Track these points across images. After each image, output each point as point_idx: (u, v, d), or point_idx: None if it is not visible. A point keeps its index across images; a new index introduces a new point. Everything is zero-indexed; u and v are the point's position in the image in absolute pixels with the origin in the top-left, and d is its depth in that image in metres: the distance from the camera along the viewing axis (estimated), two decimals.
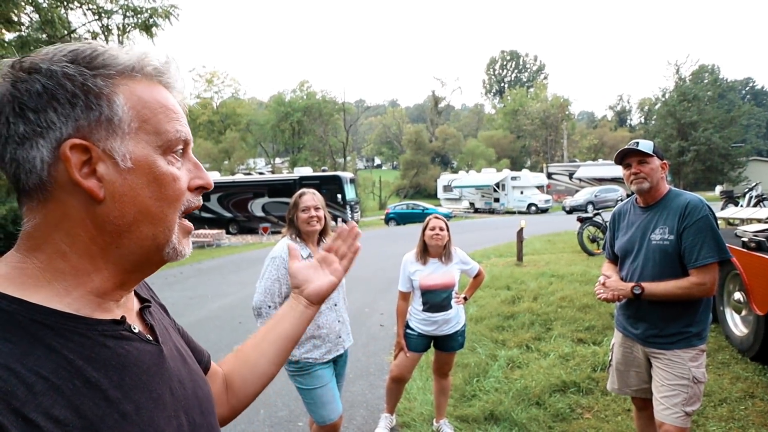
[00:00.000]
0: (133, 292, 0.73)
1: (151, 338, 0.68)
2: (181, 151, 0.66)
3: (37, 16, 15.17)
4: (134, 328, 0.65)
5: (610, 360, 2.58)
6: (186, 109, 0.70)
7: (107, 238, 0.61)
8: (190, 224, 0.69)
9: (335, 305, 2.66)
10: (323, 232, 2.70)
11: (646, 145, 2.30)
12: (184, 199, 0.66)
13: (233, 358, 0.95)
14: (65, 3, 16.14)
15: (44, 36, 14.10)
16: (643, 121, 65.37)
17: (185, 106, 0.70)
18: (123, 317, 0.64)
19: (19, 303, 0.54)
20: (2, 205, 14.09)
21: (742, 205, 10.48)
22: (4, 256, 0.60)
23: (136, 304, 0.73)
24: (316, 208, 2.60)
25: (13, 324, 0.53)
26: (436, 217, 3.15)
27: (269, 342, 0.94)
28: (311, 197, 2.63)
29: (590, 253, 9.88)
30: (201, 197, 0.69)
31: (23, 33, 14.44)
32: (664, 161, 2.35)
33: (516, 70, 78.74)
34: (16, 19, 14.63)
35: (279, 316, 0.97)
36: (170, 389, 0.66)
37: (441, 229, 3.08)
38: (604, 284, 2.39)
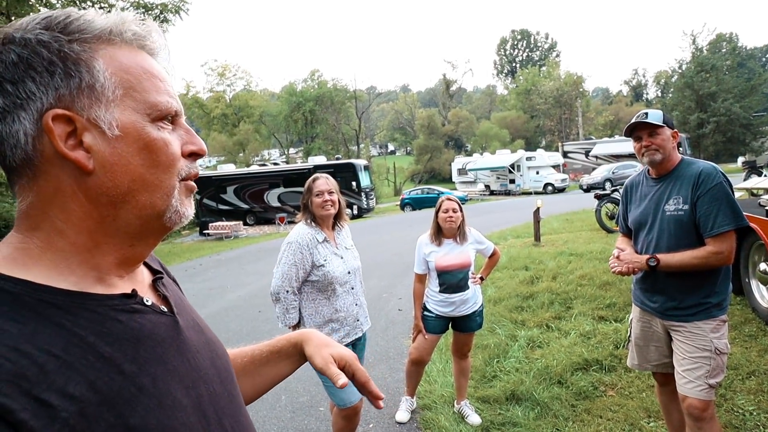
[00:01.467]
0: (143, 264, 0.72)
1: (165, 309, 0.67)
2: (170, 119, 0.64)
3: None
4: (147, 301, 0.64)
5: (629, 335, 2.53)
6: (172, 75, 0.67)
7: (102, 210, 0.59)
8: (192, 184, 0.67)
9: (352, 288, 2.66)
10: (338, 216, 2.69)
11: (655, 116, 2.22)
12: (180, 164, 0.63)
13: (239, 357, 0.91)
14: (77, 1, 16.30)
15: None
16: (659, 94, 63.92)
17: (171, 71, 0.67)
18: (134, 290, 0.63)
19: (24, 284, 0.53)
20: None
21: (765, 175, 10.19)
22: (5, 237, 0.59)
23: (147, 276, 0.72)
24: (330, 192, 2.59)
25: (20, 305, 0.52)
26: (449, 199, 3.10)
27: (263, 377, 0.93)
28: (324, 181, 2.62)
29: (609, 231, 9.73)
30: (197, 164, 0.67)
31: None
32: (675, 130, 2.27)
33: (527, 50, 77.37)
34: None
35: (284, 354, 0.93)
36: (187, 360, 0.65)
37: (454, 211, 3.04)
38: (618, 257, 2.33)
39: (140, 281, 0.68)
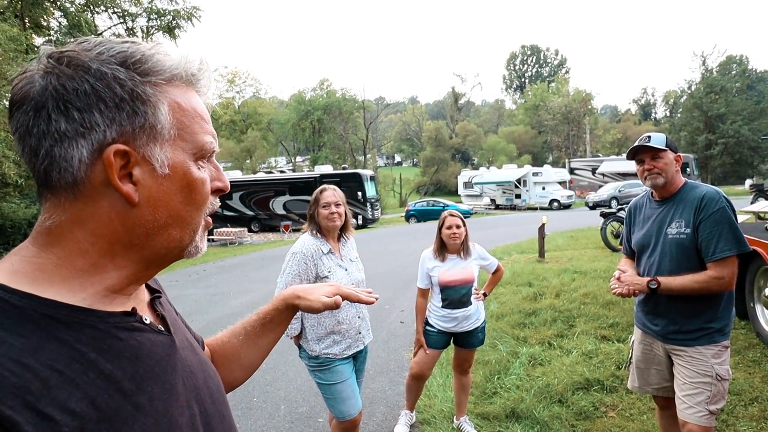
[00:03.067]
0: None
1: (162, 329, 0.68)
2: (208, 157, 0.67)
3: (65, 20, 15.60)
4: (146, 319, 0.65)
5: (630, 357, 2.53)
6: (210, 109, 0.70)
7: (134, 239, 0.61)
8: (209, 219, 0.70)
9: None
10: (344, 228, 2.70)
11: (658, 140, 2.24)
12: (209, 202, 0.67)
13: (235, 337, 0.98)
14: (91, 7, 16.52)
15: (72, 40, 14.56)
16: (668, 114, 63.89)
17: (210, 106, 0.70)
18: (134, 309, 0.64)
19: (29, 298, 0.54)
20: (34, 205, 14.50)
21: None
22: (17, 248, 0.60)
23: (146, 295, 0.73)
24: (337, 204, 2.60)
25: (25, 319, 0.53)
26: (452, 215, 3.10)
27: (263, 344, 1.01)
28: (332, 193, 2.63)
29: (614, 249, 9.69)
30: (218, 199, 0.71)
31: (52, 37, 14.84)
32: (678, 154, 2.28)
33: (537, 65, 77.70)
34: (45, 23, 15.06)
35: (277, 321, 1.02)
36: (182, 379, 0.66)
37: (458, 227, 3.05)
38: (619, 279, 2.34)
39: (140, 299, 0.69)
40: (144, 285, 0.75)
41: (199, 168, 0.64)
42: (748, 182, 23.26)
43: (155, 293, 0.75)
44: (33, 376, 0.49)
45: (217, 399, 0.74)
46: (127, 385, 0.57)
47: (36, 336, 0.52)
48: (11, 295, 0.54)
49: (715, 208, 2.10)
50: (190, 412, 0.65)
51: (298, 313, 2.63)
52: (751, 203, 13.04)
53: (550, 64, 77.21)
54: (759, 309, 4.40)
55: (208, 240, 22.83)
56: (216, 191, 0.68)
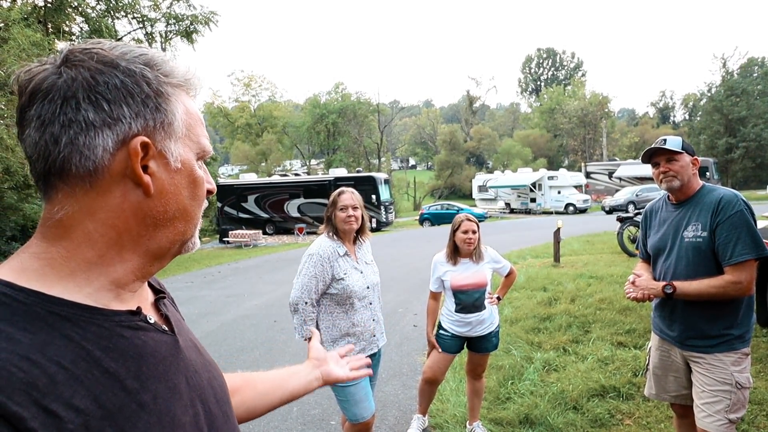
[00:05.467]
0: (147, 283, 0.75)
1: (166, 329, 0.69)
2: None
3: (86, 26, 15.94)
4: (150, 319, 0.67)
5: (647, 364, 2.49)
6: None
7: (143, 230, 0.63)
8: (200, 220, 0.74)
9: (370, 304, 2.67)
10: (360, 231, 2.71)
11: (673, 142, 2.21)
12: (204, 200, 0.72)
13: (245, 384, 1.01)
14: (112, 13, 16.85)
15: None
16: (687, 117, 62.87)
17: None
18: (139, 308, 0.65)
19: (36, 295, 0.56)
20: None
21: None
22: (26, 245, 0.61)
23: (150, 296, 0.74)
24: (354, 208, 2.61)
25: (32, 315, 0.54)
26: (468, 219, 3.07)
27: (273, 396, 1.04)
28: (350, 196, 2.64)
29: (630, 254, 9.56)
30: (206, 201, 0.75)
31: (74, 42, 15.20)
32: (695, 157, 2.25)
33: (553, 68, 77.11)
34: (67, 29, 15.39)
35: (292, 371, 1.10)
36: (186, 379, 0.67)
37: (474, 232, 3.03)
38: (633, 283, 2.30)
39: (144, 299, 0.71)
40: (148, 285, 0.76)
41: (200, 167, 0.69)
42: None
43: (159, 294, 0.77)
44: (40, 372, 0.50)
45: (221, 399, 0.75)
46: (131, 384, 0.58)
47: (43, 332, 0.53)
48: (18, 293, 0.55)
49: (733, 211, 2.06)
50: (193, 411, 0.66)
51: (312, 315, 2.65)
52: None
53: (566, 67, 76.56)
54: None
55: (224, 242, 23.16)
56: (207, 192, 0.72)
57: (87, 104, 0.58)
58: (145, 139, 0.61)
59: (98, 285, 0.61)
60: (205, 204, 0.73)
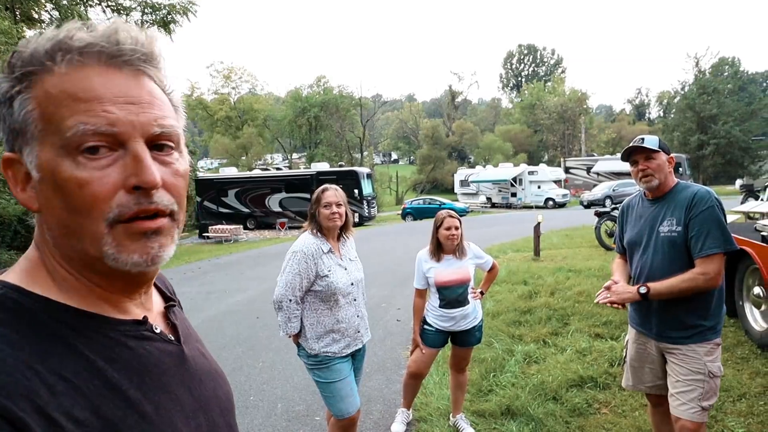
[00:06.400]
0: (156, 291, 0.74)
1: (173, 338, 0.69)
2: (98, 148, 0.54)
3: (57, 13, 15.46)
4: (156, 328, 0.66)
5: (625, 356, 2.58)
6: (165, 86, 0.62)
7: (58, 247, 0.59)
8: (145, 225, 0.57)
9: (355, 300, 2.69)
10: (344, 228, 2.73)
11: (651, 141, 2.30)
12: (109, 205, 0.54)
13: None
14: (85, 0, 16.36)
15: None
16: (661, 114, 64.19)
17: (163, 82, 0.61)
18: (145, 317, 0.64)
19: (42, 301, 0.55)
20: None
21: (762, 199, 10.22)
22: (29, 249, 0.62)
23: (160, 303, 0.74)
24: (338, 205, 2.62)
25: (36, 323, 0.54)
26: (451, 216, 3.11)
27: None
28: (334, 193, 2.65)
29: (608, 248, 9.77)
30: (152, 197, 0.57)
31: (43, 30, 14.69)
32: (671, 155, 2.35)
33: (533, 64, 77.77)
34: (36, 16, 14.89)
35: None
36: (189, 390, 0.66)
37: (456, 228, 3.07)
38: (609, 288, 2.38)
39: (151, 308, 0.69)
40: (159, 293, 0.76)
41: (77, 165, 0.53)
42: (739, 182, 23.51)
43: (170, 301, 0.76)
44: (41, 382, 0.50)
45: (225, 409, 0.74)
46: (133, 394, 0.57)
47: (46, 341, 0.53)
48: (26, 298, 0.55)
49: (705, 206, 2.15)
50: (195, 423, 0.65)
51: (297, 312, 2.65)
52: (741, 203, 13.17)
53: (546, 64, 77.29)
54: (747, 307, 4.47)
55: (203, 237, 22.81)
56: (135, 188, 0.55)
57: None
58: (8, 154, 0.55)
59: (98, 293, 0.61)
60: (136, 205, 0.55)
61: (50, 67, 0.54)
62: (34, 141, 0.54)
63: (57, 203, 0.54)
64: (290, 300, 2.54)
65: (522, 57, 78.31)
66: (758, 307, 4.32)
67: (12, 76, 0.54)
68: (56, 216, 0.55)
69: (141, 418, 0.56)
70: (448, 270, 3.10)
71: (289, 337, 2.65)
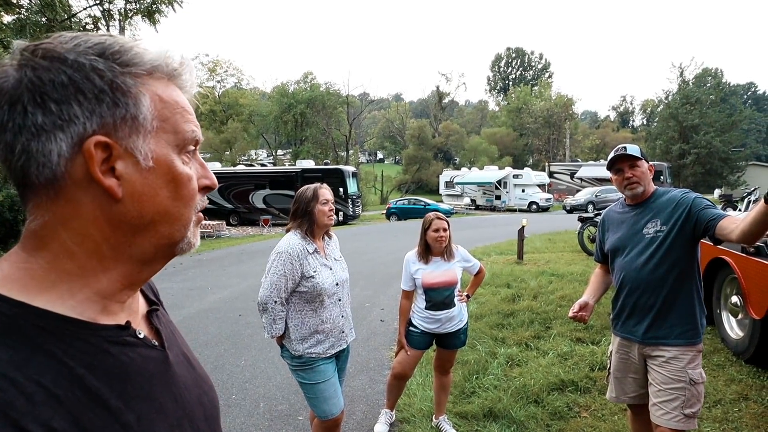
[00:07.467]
0: (139, 293, 0.72)
1: (156, 343, 0.67)
2: (192, 150, 0.65)
3: None
4: (139, 333, 0.64)
5: (609, 368, 2.60)
6: (192, 104, 0.69)
7: (121, 237, 0.59)
8: (202, 216, 0.69)
9: (339, 300, 2.67)
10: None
11: (633, 149, 2.38)
12: (198, 198, 0.65)
13: None
14: None
15: (44, 19, 13.84)
16: (645, 122, 65.41)
17: (194, 104, 0.69)
18: (128, 322, 0.62)
19: (20, 306, 0.53)
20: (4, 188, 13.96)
21: (740, 210, 10.47)
22: (7, 254, 0.59)
23: (143, 306, 0.71)
24: (333, 202, 2.65)
25: (14, 329, 0.51)
26: (439, 218, 3.13)
27: None
28: (328, 191, 2.67)
29: (590, 253, 9.90)
30: (206, 198, 0.70)
31: (22, 16, 14.21)
32: (651, 164, 2.44)
33: (521, 68, 78.58)
34: (15, 1, 14.51)
35: None
36: (174, 397, 0.65)
37: (444, 230, 3.09)
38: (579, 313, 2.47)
39: (135, 311, 0.68)
40: (142, 296, 0.73)
41: (183, 163, 0.63)
42: (717, 192, 24.14)
43: (153, 305, 0.74)
44: (18, 391, 0.48)
45: (210, 416, 0.72)
46: (115, 403, 0.55)
47: (25, 349, 0.51)
48: (2, 303, 0.53)
49: (693, 196, 2.28)
50: (180, 431, 0.64)
51: (282, 314, 2.62)
52: None
53: (534, 68, 78.14)
54: (724, 316, 4.59)
55: None
56: (203, 189, 0.66)
57: (34, 107, 0.53)
58: (103, 138, 0.55)
59: (82, 297, 0.58)
60: (204, 202, 0.68)
61: (157, 75, 0.62)
62: (148, 136, 0.59)
63: (165, 192, 0.61)
64: (275, 302, 2.51)
65: (510, 60, 79.07)
66: (735, 315, 4.43)
67: (134, 72, 0.59)
68: (158, 204, 0.60)
69: (122, 427, 0.55)
70: (436, 272, 3.11)
71: (273, 339, 2.63)
